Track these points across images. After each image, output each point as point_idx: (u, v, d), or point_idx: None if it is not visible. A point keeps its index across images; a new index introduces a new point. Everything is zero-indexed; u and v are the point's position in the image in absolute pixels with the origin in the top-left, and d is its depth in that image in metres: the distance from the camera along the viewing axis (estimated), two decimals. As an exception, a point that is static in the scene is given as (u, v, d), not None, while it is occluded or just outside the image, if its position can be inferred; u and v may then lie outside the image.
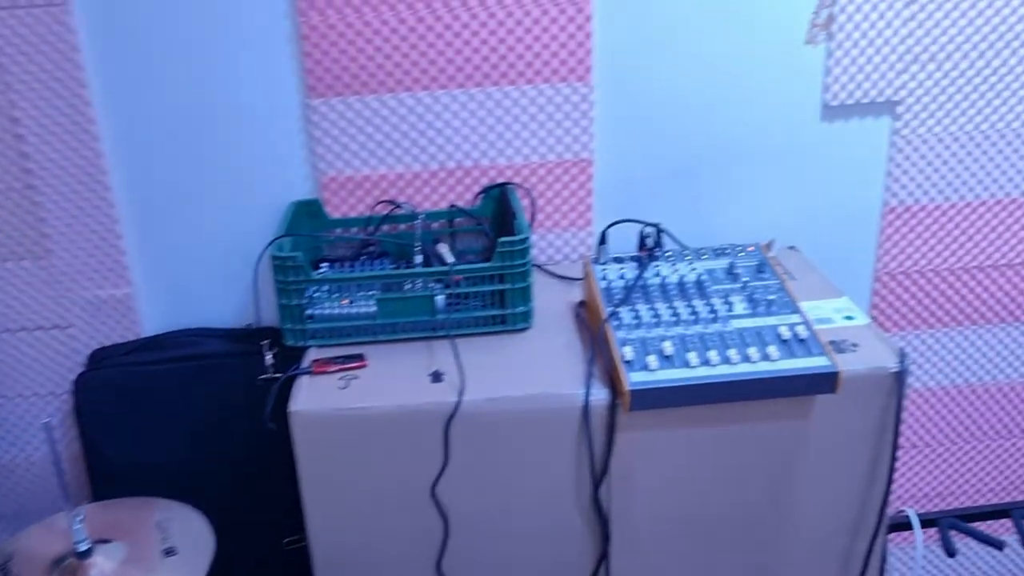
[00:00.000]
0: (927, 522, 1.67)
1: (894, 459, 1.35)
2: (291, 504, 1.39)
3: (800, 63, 1.63)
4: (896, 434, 1.34)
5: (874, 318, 1.84)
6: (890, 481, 1.37)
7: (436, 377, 1.33)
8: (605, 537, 1.35)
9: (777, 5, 1.58)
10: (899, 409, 1.32)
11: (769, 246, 1.70)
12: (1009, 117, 1.70)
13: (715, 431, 1.30)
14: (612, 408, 1.27)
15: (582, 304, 1.52)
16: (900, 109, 1.68)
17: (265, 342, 1.48)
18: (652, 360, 1.23)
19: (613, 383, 1.27)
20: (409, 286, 1.45)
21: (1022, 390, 1.94)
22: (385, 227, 1.64)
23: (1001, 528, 1.98)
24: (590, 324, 1.43)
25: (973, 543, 2.00)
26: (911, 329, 1.86)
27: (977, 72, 1.66)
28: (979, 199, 1.76)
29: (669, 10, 1.57)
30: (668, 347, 1.25)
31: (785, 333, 1.28)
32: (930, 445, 1.96)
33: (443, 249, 1.57)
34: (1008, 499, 2.02)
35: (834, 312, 1.47)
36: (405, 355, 1.39)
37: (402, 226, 1.64)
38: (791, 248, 1.74)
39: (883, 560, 1.49)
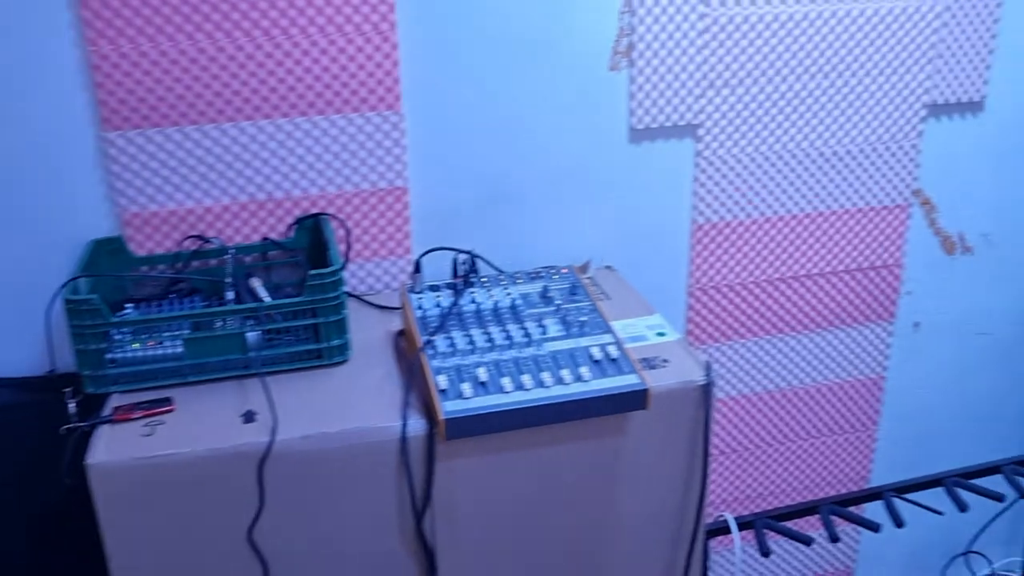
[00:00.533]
0: (744, 524, 1.75)
1: (707, 467, 1.41)
2: (98, 565, 1.30)
3: (606, 89, 1.69)
4: (707, 443, 1.39)
5: (690, 332, 1.92)
6: (704, 488, 1.42)
7: (248, 417, 1.28)
8: (432, 569, 1.34)
9: (583, 33, 1.63)
10: (708, 419, 1.38)
11: (585, 267, 1.74)
12: (799, 138, 1.82)
13: (534, 454, 1.31)
14: (430, 438, 1.26)
15: (401, 334, 1.51)
16: (701, 132, 1.76)
17: (68, 389, 1.39)
18: (466, 388, 1.24)
19: (430, 413, 1.26)
20: (220, 324, 1.39)
21: (822, 392, 2.07)
22: (195, 263, 1.57)
23: (808, 525, 2.10)
24: (407, 354, 1.42)
25: (785, 541, 2.11)
26: (724, 340, 1.95)
27: (768, 97, 1.77)
28: (777, 215, 1.87)
29: (477, 38, 1.59)
30: (482, 373, 1.26)
31: (597, 353, 1.31)
32: (747, 449, 2.06)
33: (256, 284, 1.52)
34: (816, 496, 2.15)
35: (647, 329, 1.51)
36: (216, 396, 1.34)
37: (212, 261, 1.57)
38: (608, 268, 1.79)
39: (705, 564, 1.54)
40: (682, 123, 1.74)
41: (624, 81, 1.69)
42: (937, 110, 1.90)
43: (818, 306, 1.98)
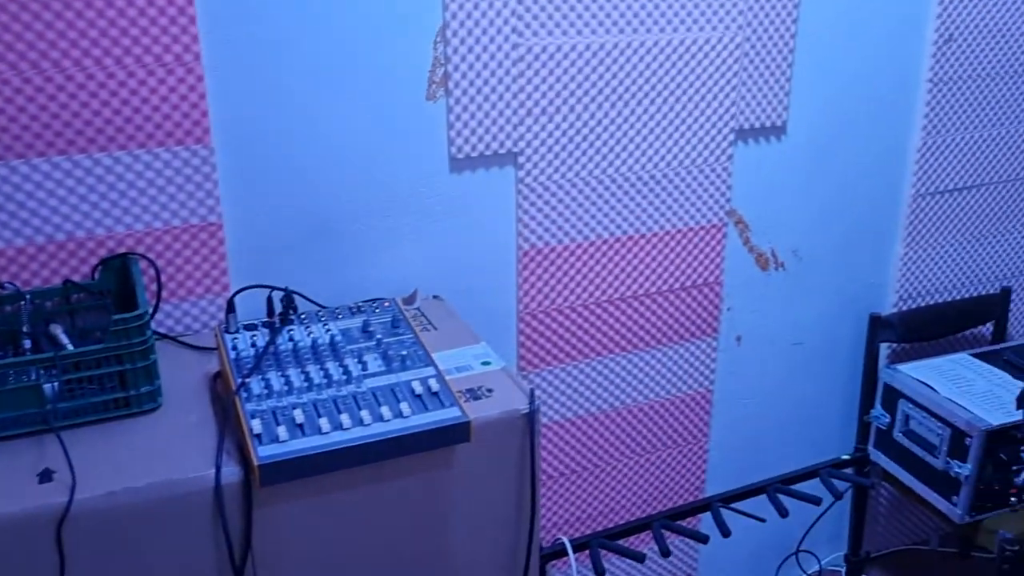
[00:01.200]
0: (580, 546, 1.77)
1: (536, 493, 1.41)
2: None
3: (426, 118, 1.68)
4: (535, 470, 1.40)
5: (522, 357, 1.94)
6: (535, 515, 1.42)
7: (45, 476, 1.19)
8: (256, 621, 1.28)
9: (400, 62, 1.62)
10: (534, 447, 1.38)
11: (412, 298, 1.73)
12: (617, 163, 1.87)
13: (358, 494, 1.28)
14: (246, 485, 1.21)
15: (217, 376, 1.44)
16: (522, 159, 1.78)
17: None
18: (282, 431, 1.19)
19: (245, 459, 1.21)
20: (12, 376, 1.29)
21: (655, 409, 2.12)
22: (-13, 311, 1.46)
23: (643, 541, 2.15)
24: (222, 397, 1.36)
25: (617, 559, 2.15)
26: (557, 364, 1.97)
27: (584, 124, 1.81)
28: (600, 238, 1.91)
29: (293, 68, 1.55)
30: (299, 415, 1.22)
31: (418, 388, 1.29)
32: (586, 469, 2.09)
33: (58, 331, 1.42)
34: (656, 510, 2.20)
35: (473, 359, 1.51)
36: (9, 455, 1.24)
37: (7, 308, 1.46)
38: (436, 298, 1.78)
39: (541, 591, 1.55)
40: (502, 151, 1.75)
41: (442, 110, 1.69)
42: (744, 134, 2.00)
43: (646, 325, 2.04)
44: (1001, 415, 2.00)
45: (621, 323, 2.01)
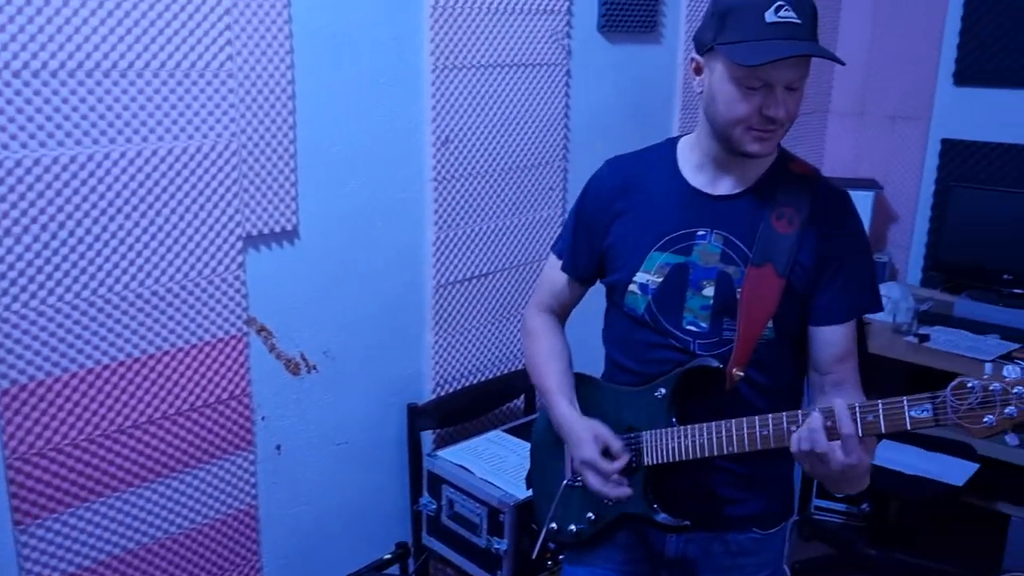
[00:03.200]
0: None
1: None
2: None
3: None
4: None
5: (16, 509, 1.69)
6: None
7: None
8: None
9: None
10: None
11: None
12: (110, 282, 1.72)
13: None
14: None
15: None
16: (4, 283, 1.58)
17: None
18: None
19: None
20: None
21: (194, 538, 1.97)
22: None
23: None
24: None
25: None
26: (65, 509, 1.75)
27: (63, 243, 1.65)
28: (102, 364, 1.74)
29: None
30: None
31: None
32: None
33: None
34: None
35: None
36: None
37: None
38: None
39: None
40: (-41, 280, 1.53)
41: None
42: (255, 241, 1.96)
43: (170, 450, 1.89)
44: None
45: (140, 451, 1.84)
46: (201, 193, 1.83)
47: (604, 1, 2.60)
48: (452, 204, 2.33)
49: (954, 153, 3.47)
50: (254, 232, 1.94)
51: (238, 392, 1.99)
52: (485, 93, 2.33)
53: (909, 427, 1.28)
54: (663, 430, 1.49)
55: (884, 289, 3.41)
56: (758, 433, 1.40)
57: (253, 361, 2.02)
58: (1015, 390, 1.24)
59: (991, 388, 1.24)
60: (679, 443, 1.47)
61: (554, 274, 1.65)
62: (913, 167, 3.59)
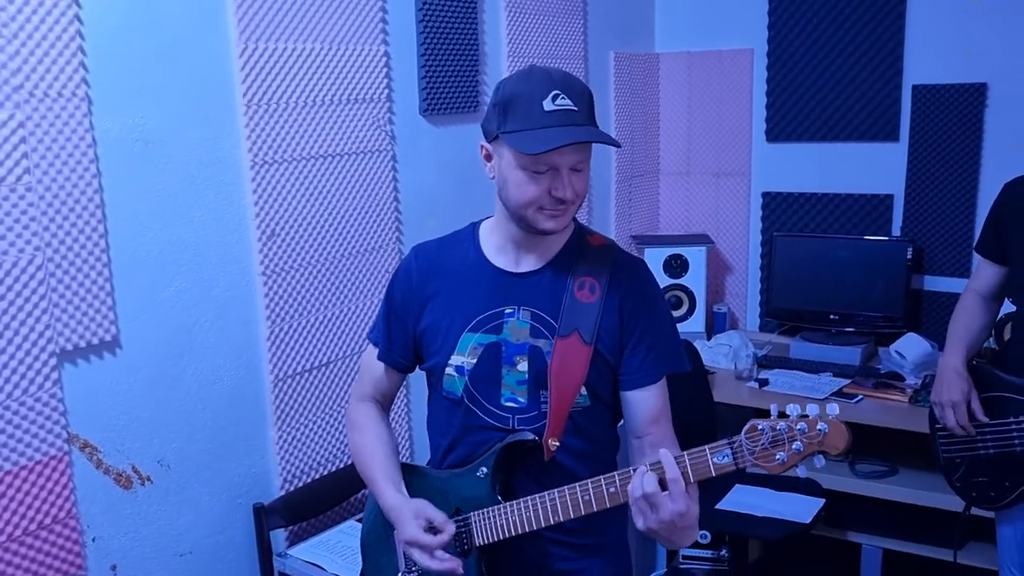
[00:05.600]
0: None
1: None
2: None
3: None
4: None
5: None
6: None
7: None
8: None
9: None
10: None
11: None
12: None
13: None
14: None
15: None
16: None
17: None
18: None
19: None
20: None
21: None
22: None
23: None
24: None
25: None
26: None
27: None
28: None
29: None
30: None
31: None
32: None
33: None
34: None
35: None
36: None
37: None
38: None
39: None
40: None
41: None
42: (71, 355, 1.88)
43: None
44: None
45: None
46: (5, 311, 1.75)
47: (424, 86, 2.67)
48: (284, 296, 2.31)
49: (774, 205, 3.69)
50: (69, 346, 1.87)
51: (62, 515, 1.89)
52: (310, 183, 2.35)
53: (714, 473, 1.36)
54: (490, 508, 1.51)
55: (725, 339, 3.57)
56: (580, 498, 1.44)
57: (78, 480, 1.92)
58: (798, 427, 1.33)
59: (778, 428, 1.34)
60: (507, 519, 1.49)
61: (372, 362, 1.66)
62: (740, 220, 3.80)
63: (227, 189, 2.18)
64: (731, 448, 1.34)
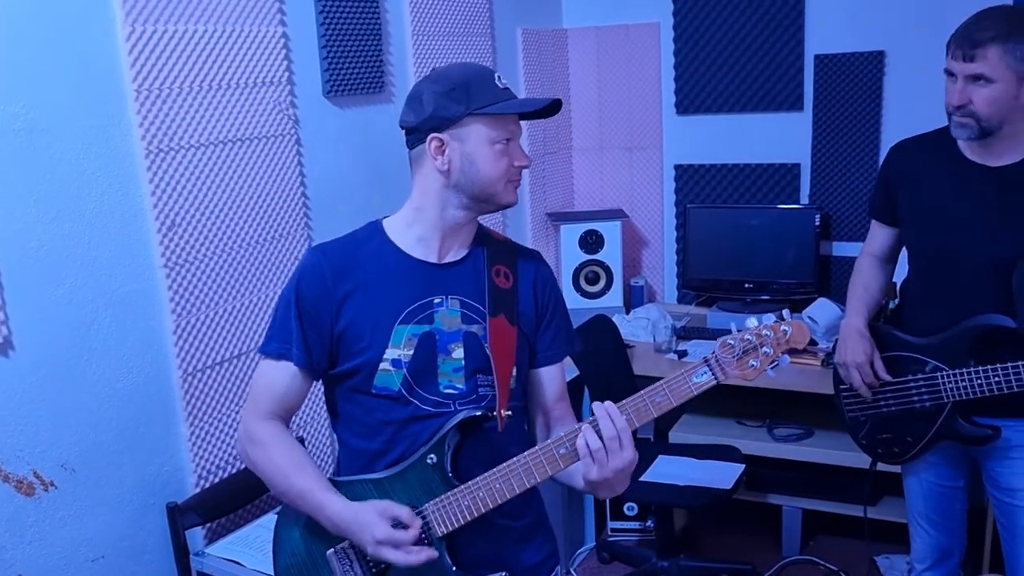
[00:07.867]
0: None
1: None
2: None
3: None
4: None
5: None
6: None
7: None
8: None
9: None
10: None
11: None
12: None
13: None
14: None
15: None
16: None
17: None
18: None
19: None
20: None
21: None
22: None
23: None
24: None
25: None
26: None
27: None
28: None
29: None
30: None
31: None
32: None
33: None
34: None
35: None
36: None
37: None
38: None
39: None
40: None
41: None
42: (-41, 359, 1.80)
43: None
44: None
45: None
46: None
47: (326, 67, 2.61)
48: (189, 289, 2.24)
49: (687, 177, 3.74)
50: (-45, 350, 1.78)
51: (-41, 527, 1.81)
52: (211, 171, 2.27)
53: (695, 392, 1.44)
54: (445, 496, 1.50)
55: (643, 312, 3.61)
56: (531, 465, 1.48)
57: (-26, 490, 1.84)
58: (764, 332, 1.45)
59: (747, 338, 1.45)
60: (463, 502, 1.49)
61: (274, 377, 1.58)
62: (654, 193, 3.83)
63: (121, 180, 2.09)
64: (708, 365, 1.44)
